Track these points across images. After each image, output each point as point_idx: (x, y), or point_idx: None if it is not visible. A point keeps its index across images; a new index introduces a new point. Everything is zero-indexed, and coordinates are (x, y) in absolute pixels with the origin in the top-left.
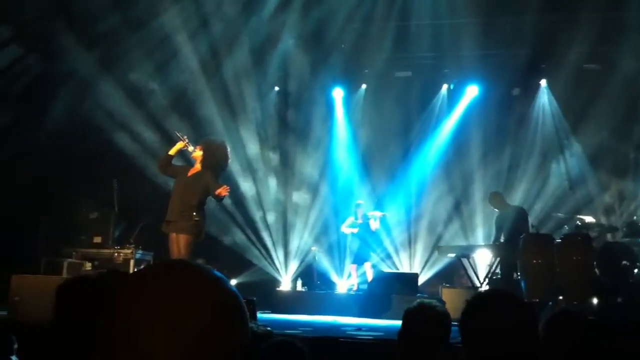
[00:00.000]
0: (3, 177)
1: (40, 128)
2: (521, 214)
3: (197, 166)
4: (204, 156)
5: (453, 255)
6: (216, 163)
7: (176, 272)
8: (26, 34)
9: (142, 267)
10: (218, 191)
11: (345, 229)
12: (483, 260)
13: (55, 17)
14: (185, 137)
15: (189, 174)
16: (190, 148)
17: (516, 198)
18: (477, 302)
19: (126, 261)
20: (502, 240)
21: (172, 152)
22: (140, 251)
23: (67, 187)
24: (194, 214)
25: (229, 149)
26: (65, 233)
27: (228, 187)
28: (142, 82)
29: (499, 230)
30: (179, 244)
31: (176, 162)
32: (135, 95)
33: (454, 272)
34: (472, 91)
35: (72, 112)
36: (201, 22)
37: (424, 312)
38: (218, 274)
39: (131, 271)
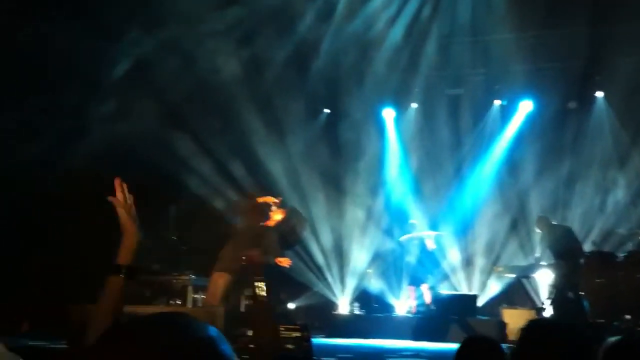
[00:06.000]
0: (60, 203)
1: (99, 152)
2: (571, 233)
3: (269, 223)
4: (282, 221)
5: (512, 275)
6: (288, 234)
7: (153, 330)
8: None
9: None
10: (279, 260)
11: (405, 237)
12: (544, 280)
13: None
14: (280, 199)
15: (258, 224)
16: (275, 207)
17: (575, 214)
18: (532, 333)
19: (183, 287)
20: (545, 260)
21: (260, 200)
22: (196, 277)
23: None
24: (243, 258)
25: (306, 231)
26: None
27: (289, 261)
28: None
29: (545, 250)
30: (217, 282)
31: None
32: (188, 121)
33: (515, 293)
34: (525, 106)
35: (130, 140)
36: (249, 48)
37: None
38: (210, 332)
39: (189, 297)
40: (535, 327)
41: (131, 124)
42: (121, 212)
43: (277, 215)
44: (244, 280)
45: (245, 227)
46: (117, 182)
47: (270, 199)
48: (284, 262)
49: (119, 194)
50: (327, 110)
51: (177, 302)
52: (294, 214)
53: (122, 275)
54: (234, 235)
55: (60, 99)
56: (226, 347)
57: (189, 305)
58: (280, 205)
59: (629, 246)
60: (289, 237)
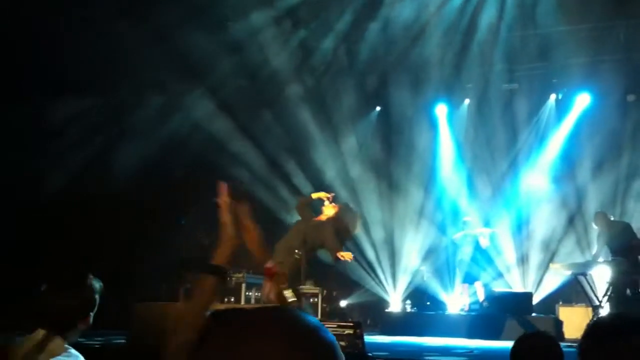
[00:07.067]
0: (121, 206)
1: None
2: (630, 229)
3: (322, 218)
4: (335, 217)
5: (569, 272)
6: (342, 229)
7: (267, 320)
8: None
9: (235, 309)
10: (341, 254)
11: (458, 235)
12: (601, 277)
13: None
14: (333, 195)
15: (311, 220)
16: (327, 202)
17: (634, 210)
18: (598, 331)
19: (238, 285)
20: (603, 257)
21: (314, 196)
22: (251, 275)
23: (180, 214)
24: (297, 251)
25: (359, 225)
26: (181, 259)
27: (351, 255)
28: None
29: (603, 247)
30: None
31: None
32: (241, 122)
33: (571, 290)
34: (583, 100)
35: (181, 142)
36: (302, 47)
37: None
38: (313, 321)
39: (243, 294)
40: (601, 323)
41: (183, 121)
42: (225, 215)
43: (329, 210)
44: (297, 277)
45: (299, 222)
46: (222, 185)
47: (323, 195)
48: (346, 256)
49: (224, 197)
50: (378, 108)
51: (231, 299)
52: (347, 209)
53: (215, 276)
54: (288, 230)
55: (116, 98)
56: (329, 334)
57: (243, 302)
58: (333, 201)
59: None
60: (342, 233)
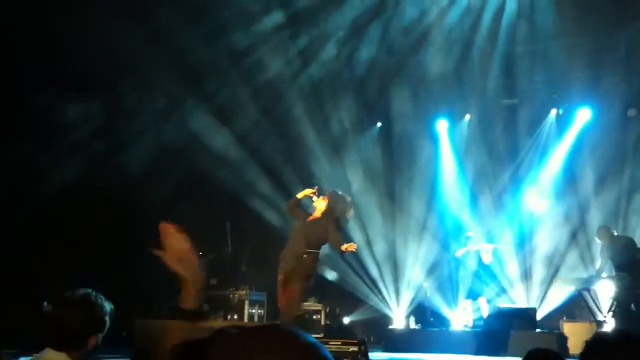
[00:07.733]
0: (123, 218)
1: (152, 172)
2: (633, 244)
3: (316, 214)
4: (328, 209)
5: (573, 288)
6: (336, 217)
7: (267, 338)
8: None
9: (234, 327)
10: (345, 247)
11: (461, 251)
12: (605, 293)
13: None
14: (317, 188)
15: (308, 219)
16: (315, 197)
17: (637, 224)
18: (599, 347)
19: (240, 302)
20: (606, 272)
21: (300, 195)
22: (254, 292)
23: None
24: (304, 256)
25: (352, 208)
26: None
27: (355, 245)
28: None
29: (607, 261)
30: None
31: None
32: (243, 137)
33: (575, 305)
34: (583, 114)
35: (181, 150)
36: (303, 62)
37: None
38: (311, 339)
39: (246, 311)
40: (602, 340)
41: (183, 128)
42: (171, 265)
43: (320, 204)
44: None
45: (296, 225)
46: (162, 227)
47: (308, 192)
48: (350, 247)
49: (167, 239)
50: (379, 124)
51: (234, 316)
52: (336, 196)
53: (184, 319)
54: (289, 238)
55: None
56: (327, 351)
57: (245, 319)
58: (320, 193)
59: None
60: (340, 222)
